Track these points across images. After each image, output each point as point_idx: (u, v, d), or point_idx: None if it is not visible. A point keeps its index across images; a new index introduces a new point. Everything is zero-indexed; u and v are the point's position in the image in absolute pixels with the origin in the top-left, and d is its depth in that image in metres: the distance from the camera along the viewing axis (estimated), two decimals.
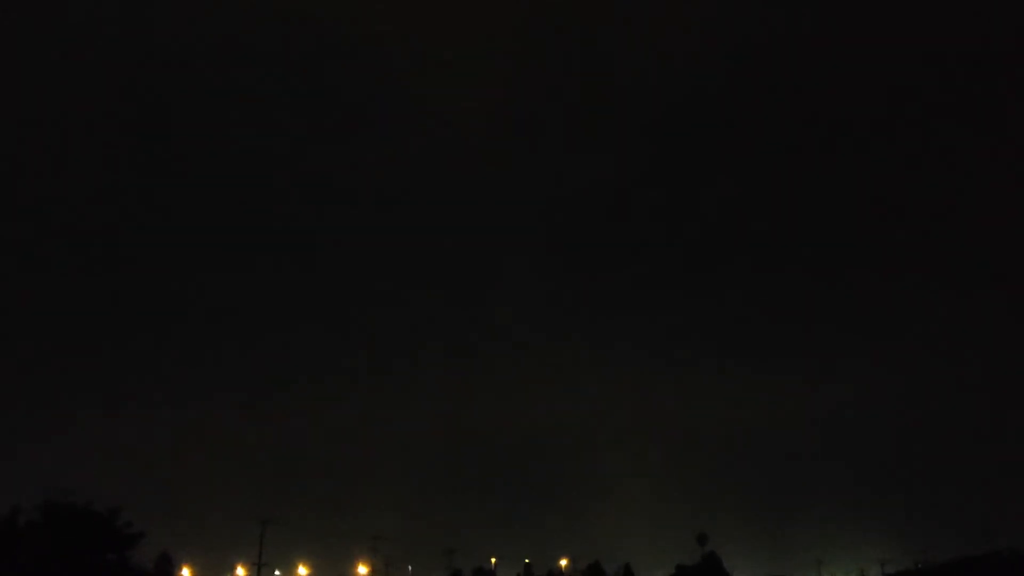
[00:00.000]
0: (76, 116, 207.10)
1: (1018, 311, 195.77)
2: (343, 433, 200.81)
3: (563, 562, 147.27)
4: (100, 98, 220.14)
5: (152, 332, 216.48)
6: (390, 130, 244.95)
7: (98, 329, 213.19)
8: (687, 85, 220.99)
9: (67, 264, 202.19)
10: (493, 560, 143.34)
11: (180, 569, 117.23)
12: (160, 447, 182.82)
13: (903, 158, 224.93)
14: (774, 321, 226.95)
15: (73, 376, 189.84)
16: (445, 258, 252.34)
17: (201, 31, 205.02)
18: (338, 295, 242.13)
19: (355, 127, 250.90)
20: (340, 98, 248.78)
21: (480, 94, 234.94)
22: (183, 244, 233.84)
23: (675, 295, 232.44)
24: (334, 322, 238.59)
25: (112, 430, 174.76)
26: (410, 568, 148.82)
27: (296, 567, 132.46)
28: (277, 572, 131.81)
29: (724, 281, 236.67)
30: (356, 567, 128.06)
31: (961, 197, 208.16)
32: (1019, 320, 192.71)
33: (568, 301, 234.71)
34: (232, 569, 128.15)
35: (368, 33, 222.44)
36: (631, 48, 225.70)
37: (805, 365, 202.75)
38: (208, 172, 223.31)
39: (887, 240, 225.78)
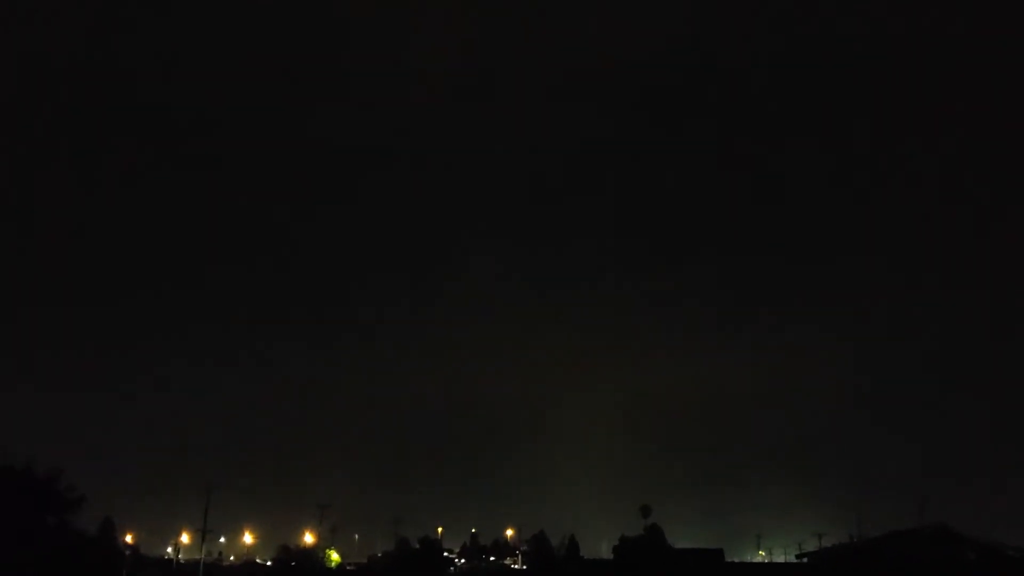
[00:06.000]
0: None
1: (957, 291, 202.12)
2: (291, 402, 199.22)
3: (509, 532, 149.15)
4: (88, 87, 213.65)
5: (100, 301, 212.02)
6: (368, 96, 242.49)
7: (40, 294, 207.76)
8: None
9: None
10: (440, 529, 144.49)
11: (124, 535, 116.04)
12: (105, 415, 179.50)
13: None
14: (720, 297, 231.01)
15: (14, 343, 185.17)
16: (403, 236, 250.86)
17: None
18: (300, 267, 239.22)
19: (332, 94, 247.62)
20: (324, 65, 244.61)
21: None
22: (145, 232, 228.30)
23: (628, 270, 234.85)
24: (288, 291, 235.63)
25: (55, 397, 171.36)
26: (356, 536, 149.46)
27: (242, 534, 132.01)
28: (222, 539, 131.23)
29: (679, 261, 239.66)
30: (302, 535, 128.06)
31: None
32: (961, 296, 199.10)
33: (516, 276, 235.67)
34: (177, 535, 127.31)
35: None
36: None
37: (749, 338, 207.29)
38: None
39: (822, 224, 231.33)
